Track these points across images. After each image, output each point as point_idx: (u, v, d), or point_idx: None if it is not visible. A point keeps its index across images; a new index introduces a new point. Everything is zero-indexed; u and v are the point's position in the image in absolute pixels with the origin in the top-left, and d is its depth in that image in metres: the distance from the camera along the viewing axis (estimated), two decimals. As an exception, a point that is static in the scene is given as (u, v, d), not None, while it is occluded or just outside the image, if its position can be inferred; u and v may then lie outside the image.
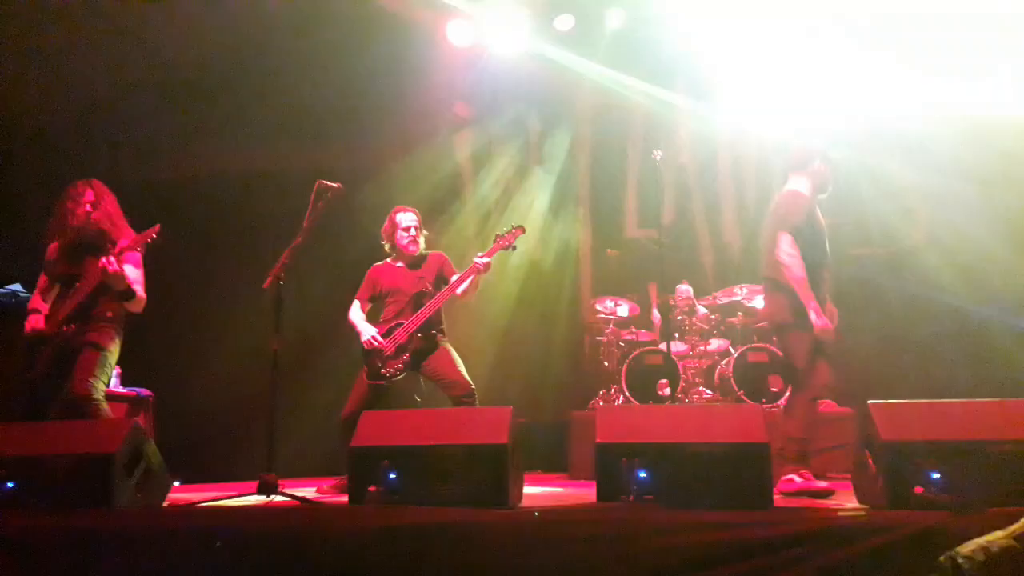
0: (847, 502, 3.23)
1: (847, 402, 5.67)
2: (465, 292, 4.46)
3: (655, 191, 5.69)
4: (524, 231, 4.62)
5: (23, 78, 5.97)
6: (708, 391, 5.98)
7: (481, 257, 4.37)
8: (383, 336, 4.43)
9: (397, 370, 4.38)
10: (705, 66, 7.02)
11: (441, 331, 4.52)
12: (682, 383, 5.82)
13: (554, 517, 2.63)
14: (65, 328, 3.86)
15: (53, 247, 4.08)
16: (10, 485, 2.91)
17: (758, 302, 6.10)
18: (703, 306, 6.24)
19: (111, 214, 4.03)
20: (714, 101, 7.27)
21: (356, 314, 4.60)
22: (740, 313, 6.24)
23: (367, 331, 4.47)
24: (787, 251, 3.92)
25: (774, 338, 5.94)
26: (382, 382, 4.39)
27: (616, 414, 3.27)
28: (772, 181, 7.08)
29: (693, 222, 7.31)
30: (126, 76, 6.28)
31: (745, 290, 6.12)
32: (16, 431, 3.23)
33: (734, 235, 7.26)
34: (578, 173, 7.59)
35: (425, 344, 4.42)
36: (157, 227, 3.84)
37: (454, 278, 4.48)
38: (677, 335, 6.17)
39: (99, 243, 3.93)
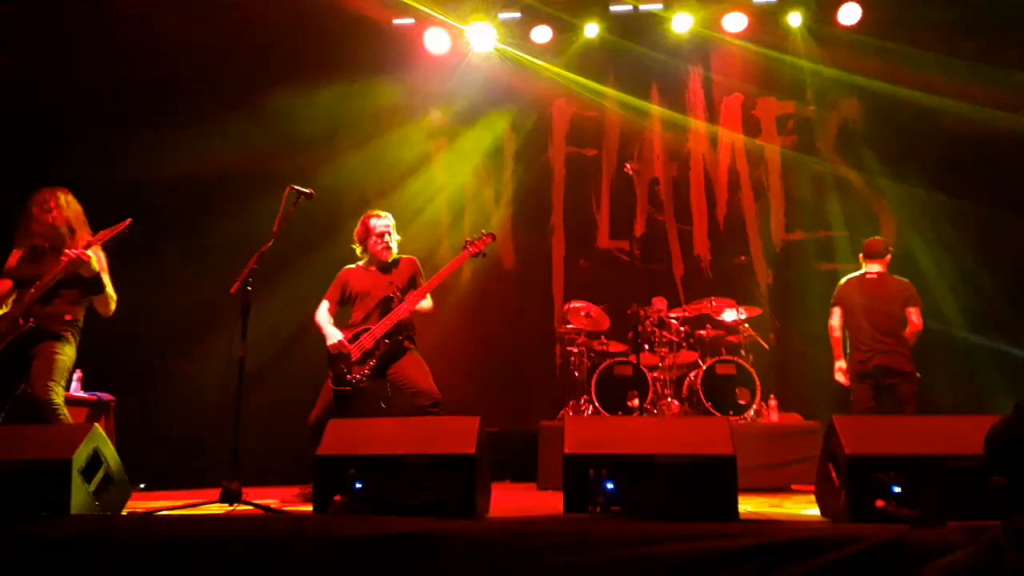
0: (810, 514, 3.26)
1: (813, 415, 5.75)
2: (424, 309, 4.46)
3: (628, 203, 5.78)
4: (494, 238, 4.62)
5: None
6: (677, 402, 6.02)
7: (445, 268, 4.38)
8: (350, 341, 4.38)
9: (363, 376, 4.31)
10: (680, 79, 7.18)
11: (410, 338, 4.46)
12: (651, 394, 5.84)
13: (521, 528, 2.62)
14: (21, 321, 3.78)
15: (15, 253, 4.03)
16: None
17: (727, 315, 6.17)
18: (673, 318, 6.28)
19: (74, 219, 4.00)
20: (688, 114, 7.42)
21: (323, 316, 4.53)
22: (709, 325, 6.30)
23: (333, 335, 4.40)
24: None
25: (742, 351, 6.07)
26: (348, 388, 4.31)
27: (584, 425, 3.28)
28: (741, 199, 7.27)
29: (664, 235, 7.38)
30: (99, 77, 6.19)
31: (715, 303, 6.18)
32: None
33: (704, 249, 7.34)
34: (552, 182, 7.63)
35: (392, 350, 4.35)
36: (128, 221, 3.79)
37: (419, 290, 4.45)
38: (647, 346, 6.20)
39: (60, 246, 3.89)
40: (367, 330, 4.36)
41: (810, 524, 2.91)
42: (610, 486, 2.84)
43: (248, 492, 3.47)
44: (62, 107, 6.19)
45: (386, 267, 4.59)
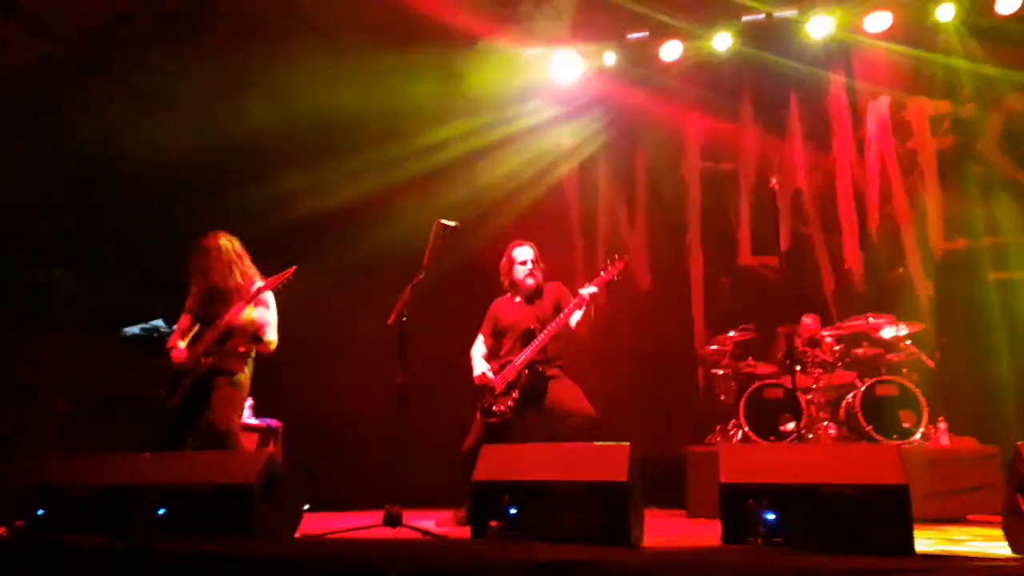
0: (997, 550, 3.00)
1: (991, 439, 5.29)
2: (578, 325, 4.43)
3: (771, 217, 5.55)
4: (626, 264, 4.50)
5: (161, 124, 6.50)
6: (834, 426, 5.71)
7: (586, 288, 4.34)
8: (495, 372, 4.47)
9: (508, 408, 4.34)
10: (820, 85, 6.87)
11: (556, 366, 4.48)
12: (805, 418, 5.56)
13: (679, 558, 2.57)
14: (203, 360, 4.15)
15: (192, 292, 4.43)
16: (161, 511, 3.11)
17: (886, 331, 5.79)
18: (826, 336, 5.97)
19: (237, 263, 4.34)
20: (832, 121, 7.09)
21: (476, 350, 4.65)
22: (866, 343, 5.94)
23: (478, 367, 4.51)
24: None
25: (904, 370, 5.68)
26: (494, 419, 4.40)
27: (741, 453, 3.18)
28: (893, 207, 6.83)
29: (812, 249, 7.05)
30: (255, 123, 6.73)
31: (872, 319, 5.82)
32: (164, 460, 3.47)
33: (855, 262, 6.95)
34: (687, 199, 7.50)
35: (536, 381, 4.38)
36: (292, 270, 4.09)
37: (562, 314, 4.44)
38: (799, 367, 5.93)
39: (229, 292, 4.25)
40: (510, 362, 4.44)
41: (1000, 561, 2.67)
42: (771, 516, 2.73)
43: (406, 514, 3.62)
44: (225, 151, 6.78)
45: (531, 296, 4.64)
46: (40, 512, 3.29)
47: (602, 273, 4.45)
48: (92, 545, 2.81)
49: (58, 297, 6.53)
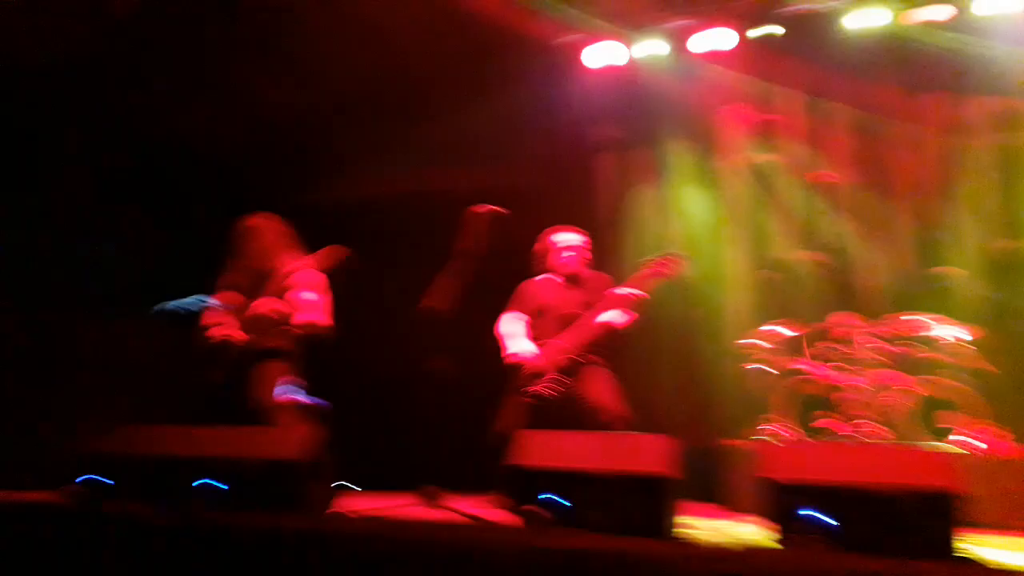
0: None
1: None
2: (614, 325, 4.41)
3: (814, 210, 5.45)
4: (679, 259, 4.48)
5: (201, 102, 6.59)
6: (878, 426, 5.62)
7: (622, 288, 4.31)
8: (531, 354, 4.45)
9: (549, 389, 4.38)
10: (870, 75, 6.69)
11: (595, 353, 4.48)
12: (845, 416, 5.48)
13: (721, 554, 2.57)
14: (246, 338, 4.22)
15: (234, 271, 4.49)
16: (209, 483, 3.19)
17: (936, 331, 5.67)
18: (872, 333, 5.87)
19: (277, 245, 4.39)
20: (882, 113, 6.90)
21: (510, 327, 4.64)
22: (913, 342, 5.81)
23: (523, 348, 4.50)
24: None
25: (951, 371, 5.55)
26: (534, 401, 4.41)
27: (785, 450, 3.15)
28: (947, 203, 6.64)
29: (858, 244, 6.90)
30: (298, 102, 6.78)
31: (920, 318, 5.71)
32: (213, 435, 3.55)
33: (905, 259, 6.79)
34: (726, 192, 7.38)
35: (578, 366, 4.39)
36: (341, 249, 4.13)
37: (608, 312, 4.41)
38: (842, 364, 5.83)
39: (271, 272, 4.30)
40: (553, 344, 4.43)
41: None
42: (816, 516, 2.71)
43: (443, 497, 3.66)
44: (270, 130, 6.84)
45: (575, 281, 4.63)
46: (95, 478, 3.39)
47: (646, 269, 4.41)
48: (143, 513, 2.90)
49: (102, 273, 6.69)
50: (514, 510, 3.11)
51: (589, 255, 4.65)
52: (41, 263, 6.33)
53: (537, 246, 4.72)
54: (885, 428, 5.57)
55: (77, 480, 3.39)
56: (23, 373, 5.71)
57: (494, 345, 4.69)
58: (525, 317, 4.64)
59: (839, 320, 5.94)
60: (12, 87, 6.01)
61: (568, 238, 4.65)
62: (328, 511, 3.38)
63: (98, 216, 6.62)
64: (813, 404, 5.63)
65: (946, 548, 2.59)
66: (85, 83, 6.26)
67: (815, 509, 2.66)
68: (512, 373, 4.49)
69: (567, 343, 4.36)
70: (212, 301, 4.48)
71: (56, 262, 6.40)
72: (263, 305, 4.12)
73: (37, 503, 3.37)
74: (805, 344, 6.27)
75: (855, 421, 5.63)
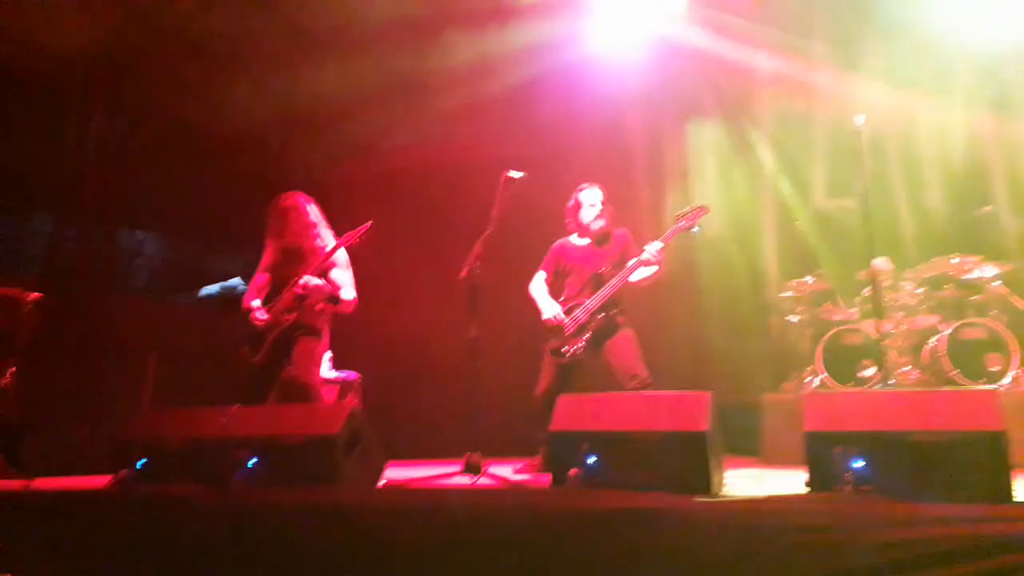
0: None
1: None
2: (645, 279, 4.37)
3: (851, 157, 5.27)
4: (707, 210, 4.42)
5: (233, 88, 6.60)
6: (917, 371, 5.52)
7: (653, 244, 4.26)
8: (565, 313, 4.45)
9: (578, 349, 4.36)
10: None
11: (621, 312, 4.45)
12: (887, 363, 5.39)
13: (764, 506, 2.55)
14: (284, 318, 4.25)
15: (268, 251, 4.51)
16: (254, 461, 3.23)
17: (973, 272, 5.54)
18: (908, 279, 5.75)
19: (314, 223, 4.40)
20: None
21: (537, 288, 4.63)
22: (950, 285, 5.68)
23: (548, 308, 4.48)
24: None
25: (992, 312, 5.42)
26: (564, 360, 4.39)
27: (825, 400, 3.10)
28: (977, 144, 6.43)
29: (892, 189, 6.74)
30: (323, 85, 6.76)
31: (956, 260, 5.57)
32: (252, 414, 3.60)
33: (939, 201, 6.61)
34: (759, 141, 7.23)
35: (605, 325, 4.35)
36: (367, 225, 4.13)
37: (632, 262, 4.38)
38: (879, 311, 5.72)
39: (305, 251, 4.31)
40: (579, 305, 4.42)
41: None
42: (859, 464, 2.67)
43: (484, 463, 3.68)
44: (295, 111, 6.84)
45: (599, 240, 4.60)
46: (139, 464, 3.46)
47: (681, 222, 4.36)
48: (188, 494, 2.95)
49: (144, 259, 6.81)
50: (557, 474, 3.12)
51: (611, 209, 4.61)
52: (84, 251, 6.44)
53: (570, 203, 4.70)
54: (927, 373, 5.48)
55: (126, 467, 3.46)
56: (69, 360, 5.84)
57: (530, 308, 4.68)
58: (546, 275, 4.65)
59: (878, 267, 5.81)
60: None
61: (593, 195, 4.61)
62: (374, 484, 3.42)
63: (134, 203, 6.70)
64: (856, 353, 5.54)
65: (996, 489, 2.54)
66: (112, 72, 6.31)
67: (859, 458, 2.62)
68: (545, 334, 4.48)
69: (595, 302, 4.33)
70: (252, 282, 4.51)
71: (99, 250, 6.51)
72: (307, 283, 4.13)
73: (86, 490, 3.46)
74: (844, 294, 6.18)
75: (898, 368, 5.54)
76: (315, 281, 4.14)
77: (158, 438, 3.55)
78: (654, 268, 4.34)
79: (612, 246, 4.58)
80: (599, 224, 4.58)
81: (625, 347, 4.33)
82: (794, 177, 7.08)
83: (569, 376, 4.40)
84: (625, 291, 4.47)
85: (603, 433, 3.07)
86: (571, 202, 4.71)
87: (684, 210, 4.43)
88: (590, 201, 4.61)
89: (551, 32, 6.90)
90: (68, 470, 4.53)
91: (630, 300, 4.56)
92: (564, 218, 4.75)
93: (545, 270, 4.69)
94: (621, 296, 4.47)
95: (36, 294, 4.89)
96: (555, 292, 4.65)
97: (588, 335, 4.36)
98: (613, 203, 4.73)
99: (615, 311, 4.41)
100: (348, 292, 4.30)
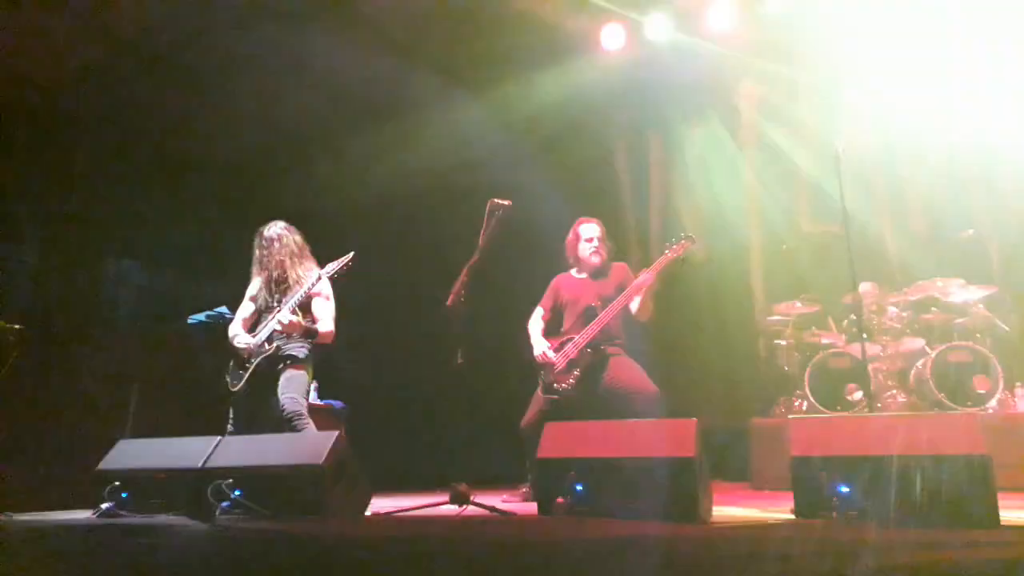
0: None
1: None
2: (638, 311, 4.40)
3: (831, 182, 5.34)
4: (694, 242, 4.46)
5: (214, 117, 6.61)
6: (904, 395, 5.54)
7: (643, 274, 4.31)
8: (556, 350, 4.44)
9: (569, 385, 4.34)
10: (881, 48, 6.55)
11: (617, 344, 4.45)
12: (873, 387, 5.41)
13: (751, 533, 2.54)
14: (267, 346, 4.23)
15: (253, 281, 4.50)
16: (237, 493, 3.19)
17: (956, 296, 5.59)
18: (893, 302, 5.79)
19: (295, 253, 4.39)
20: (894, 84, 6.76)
21: (533, 324, 4.65)
22: (935, 309, 5.73)
23: (538, 345, 4.50)
24: None
25: (977, 335, 5.45)
26: (555, 396, 4.38)
27: (812, 425, 3.10)
28: (962, 166, 6.51)
29: (876, 213, 6.80)
30: (306, 110, 6.79)
31: (940, 283, 5.62)
32: (237, 444, 3.56)
33: (921, 225, 6.68)
34: (744, 167, 7.31)
35: (596, 359, 4.35)
36: (350, 256, 4.12)
37: (619, 296, 4.40)
38: (864, 335, 5.74)
39: (290, 281, 4.30)
40: (571, 339, 4.42)
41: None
42: (844, 490, 2.67)
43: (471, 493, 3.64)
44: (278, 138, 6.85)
45: (597, 274, 4.61)
46: (124, 496, 3.41)
47: (667, 252, 4.39)
48: (172, 526, 2.91)
49: (128, 288, 6.76)
50: (545, 502, 3.09)
51: (609, 244, 4.63)
52: (63, 282, 6.40)
53: (569, 237, 4.72)
54: (914, 396, 5.50)
55: (108, 498, 3.41)
56: (47, 392, 5.77)
57: (522, 340, 4.67)
58: (543, 312, 4.66)
59: (864, 291, 5.86)
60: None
61: (591, 229, 4.64)
62: (357, 514, 3.38)
63: (118, 232, 6.68)
64: (843, 377, 5.55)
65: (983, 513, 2.54)
66: (98, 100, 6.31)
67: (845, 483, 2.62)
68: (537, 369, 4.49)
69: (583, 337, 4.34)
70: (238, 311, 4.49)
71: (84, 279, 6.47)
72: (281, 321, 4.11)
73: (68, 522, 3.41)
74: (831, 318, 6.22)
75: (885, 392, 5.56)
76: (291, 317, 4.11)
77: (141, 469, 3.50)
78: (639, 296, 4.36)
79: (609, 280, 4.58)
80: (596, 259, 4.60)
81: (623, 371, 4.32)
82: (781, 202, 7.15)
83: (560, 412, 4.36)
84: (626, 324, 4.46)
85: (590, 460, 3.06)
86: (569, 235, 4.71)
87: (672, 241, 4.46)
88: (588, 235, 4.63)
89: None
90: (48, 504, 4.45)
91: (632, 330, 4.53)
92: (563, 252, 4.76)
93: (543, 306, 4.70)
94: (618, 330, 4.45)
95: (16, 326, 4.84)
96: (556, 326, 4.65)
97: (578, 371, 4.34)
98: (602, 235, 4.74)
99: (608, 345, 4.38)
100: (325, 325, 4.27)
